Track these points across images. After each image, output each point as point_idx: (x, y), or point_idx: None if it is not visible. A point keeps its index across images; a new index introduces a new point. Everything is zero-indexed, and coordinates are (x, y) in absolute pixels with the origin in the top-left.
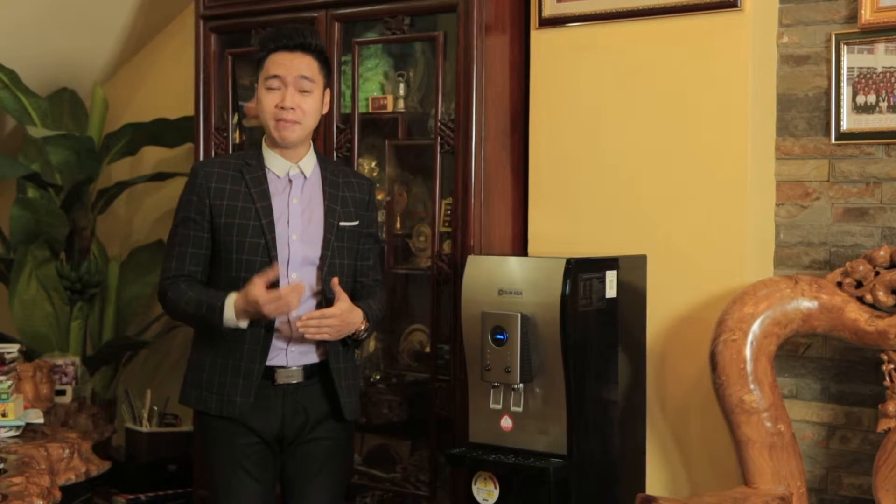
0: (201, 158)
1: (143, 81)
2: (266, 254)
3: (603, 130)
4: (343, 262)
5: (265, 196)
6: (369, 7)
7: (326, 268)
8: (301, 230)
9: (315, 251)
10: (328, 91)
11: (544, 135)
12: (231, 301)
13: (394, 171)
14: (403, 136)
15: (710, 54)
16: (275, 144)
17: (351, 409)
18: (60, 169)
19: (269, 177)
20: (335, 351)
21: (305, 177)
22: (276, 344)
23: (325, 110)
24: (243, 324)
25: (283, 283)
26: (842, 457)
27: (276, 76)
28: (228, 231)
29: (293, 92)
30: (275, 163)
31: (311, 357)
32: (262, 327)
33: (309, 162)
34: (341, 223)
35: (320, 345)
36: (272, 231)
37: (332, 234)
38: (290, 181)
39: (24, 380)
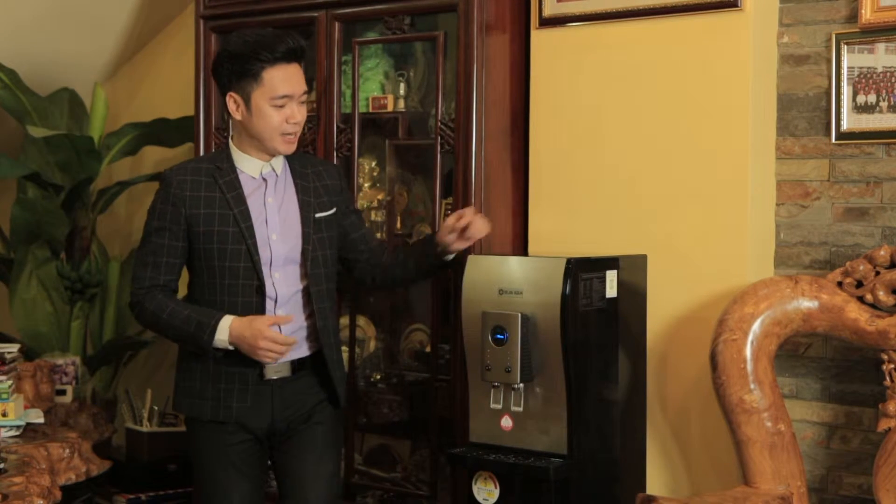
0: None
1: (143, 81)
2: (249, 258)
3: (603, 130)
4: (325, 254)
5: (241, 200)
6: (369, 7)
7: (309, 262)
8: (280, 229)
9: (295, 248)
10: None
11: (544, 135)
12: (227, 323)
13: (394, 171)
14: (404, 136)
15: (711, 54)
16: (254, 148)
17: (343, 398)
18: (61, 169)
19: (242, 178)
20: (328, 343)
21: (277, 175)
22: None
23: None
24: (231, 346)
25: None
26: (842, 456)
27: (285, 95)
28: (208, 239)
29: (299, 106)
30: (247, 164)
31: (300, 352)
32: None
33: (279, 159)
34: (317, 215)
35: (310, 339)
36: (252, 236)
37: (309, 228)
38: (265, 180)
39: (24, 379)
